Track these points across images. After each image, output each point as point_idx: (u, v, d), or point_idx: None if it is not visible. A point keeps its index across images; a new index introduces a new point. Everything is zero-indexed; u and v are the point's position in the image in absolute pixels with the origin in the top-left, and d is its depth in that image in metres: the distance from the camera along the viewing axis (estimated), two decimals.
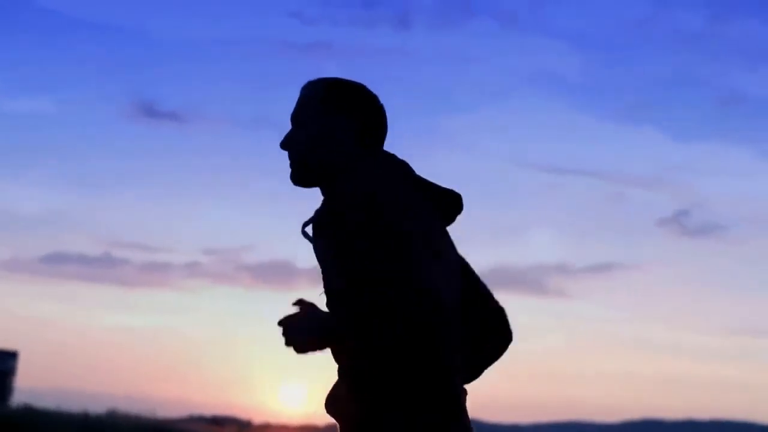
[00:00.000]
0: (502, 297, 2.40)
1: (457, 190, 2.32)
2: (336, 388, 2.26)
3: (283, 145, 2.37)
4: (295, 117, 2.38)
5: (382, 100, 2.39)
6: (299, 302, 2.17)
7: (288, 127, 2.38)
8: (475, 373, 2.37)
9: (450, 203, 2.32)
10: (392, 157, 2.33)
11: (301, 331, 2.12)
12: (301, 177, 2.36)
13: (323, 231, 2.21)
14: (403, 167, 2.31)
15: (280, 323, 2.14)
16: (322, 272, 2.24)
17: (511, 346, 2.40)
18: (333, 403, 2.26)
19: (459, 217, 2.35)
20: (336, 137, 2.33)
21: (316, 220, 2.25)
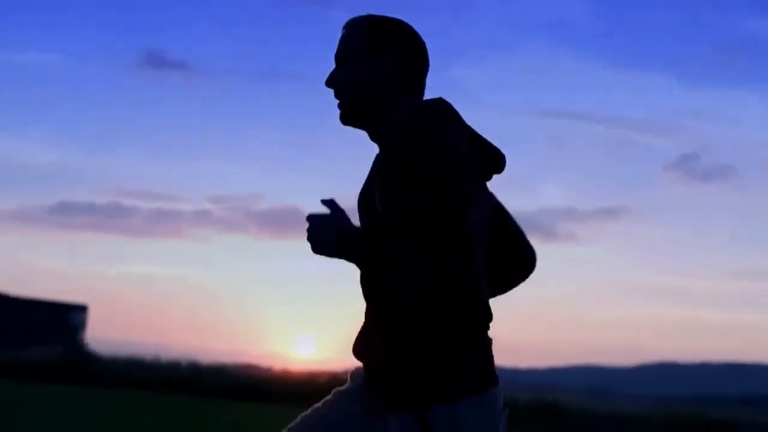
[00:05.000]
0: None
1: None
2: (363, 331, 2.29)
3: (328, 83, 2.34)
4: (339, 56, 2.35)
5: None
6: (330, 203, 2.20)
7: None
8: (500, 291, 2.36)
9: (494, 160, 2.28)
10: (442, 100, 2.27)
11: (328, 233, 2.16)
12: (351, 118, 2.33)
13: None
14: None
15: (309, 218, 2.18)
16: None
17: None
18: (362, 346, 2.29)
19: None
20: (384, 77, 2.30)
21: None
